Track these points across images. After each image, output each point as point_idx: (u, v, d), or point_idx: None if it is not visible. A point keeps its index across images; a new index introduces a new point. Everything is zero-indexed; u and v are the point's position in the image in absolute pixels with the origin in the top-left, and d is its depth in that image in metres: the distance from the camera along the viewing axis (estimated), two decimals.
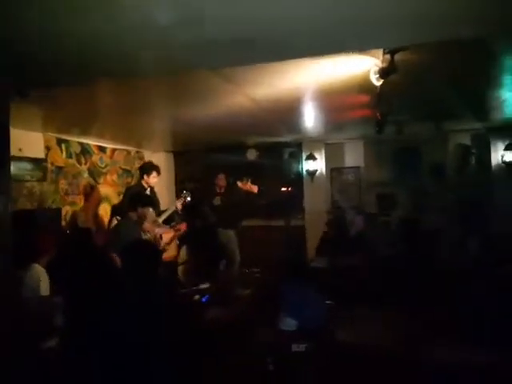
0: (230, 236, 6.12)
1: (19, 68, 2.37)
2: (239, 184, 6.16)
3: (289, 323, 2.62)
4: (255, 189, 6.20)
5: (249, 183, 6.18)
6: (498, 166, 6.61)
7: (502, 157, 6.52)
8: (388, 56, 2.96)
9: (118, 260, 3.91)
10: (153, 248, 2.69)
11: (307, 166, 7.42)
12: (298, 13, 1.91)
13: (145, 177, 5.19)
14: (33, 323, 3.11)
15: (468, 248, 5.71)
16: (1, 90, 2.42)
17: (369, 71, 3.31)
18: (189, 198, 5.33)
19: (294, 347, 2.45)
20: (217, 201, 6.27)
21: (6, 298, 2.61)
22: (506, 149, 6.46)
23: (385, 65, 3.01)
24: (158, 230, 4.91)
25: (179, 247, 6.23)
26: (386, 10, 2.00)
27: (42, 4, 1.74)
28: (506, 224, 6.00)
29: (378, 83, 3.11)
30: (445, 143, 6.90)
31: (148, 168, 5.27)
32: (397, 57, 2.94)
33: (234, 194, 6.17)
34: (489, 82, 4.24)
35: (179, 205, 5.26)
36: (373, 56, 3.10)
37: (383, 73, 2.98)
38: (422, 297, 3.68)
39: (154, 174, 5.19)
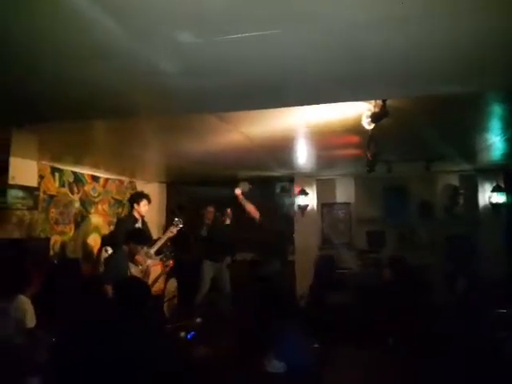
0: (218, 269, 6.04)
1: (21, 105, 2.42)
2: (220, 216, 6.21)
3: (276, 366, 2.59)
4: (227, 220, 6.23)
5: (225, 217, 6.19)
6: (485, 206, 6.73)
7: (489, 198, 6.66)
8: (380, 101, 3.07)
9: (109, 292, 3.87)
10: (141, 285, 2.67)
11: (299, 200, 7.48)
12: (294, 65, 2.00)
13: (135, 206, 5.12)
14: (14, 357, 3.03)
15: (454, 287, 5.74)
16: (3, 127, 2.47)
17: (361, 114, 3.43)
18: (181, 225, 5.28)
19: None
20: (204, 232, 6.27)
21: None
22: (493, 190, 6.61)
23: (377, 110, 3.12)
24: (149, 262, 4.87)
25: (166, 280, 6.16)
26: (379, 66, 2.12)
27: (46, 48, 1.81)
28: (490, 263, 6.08)
29: (370, 127, 3.21)
30: (434, 183, 7.05)
31: (138, 197, 5.23)
32: (388, 102, 3.06)
33: (218, 226, 6.15)
34: (476, 126, 4.40)
35: (174, 231, 5.19)
36: (365, 101, 3.22)
37: (375, 117, 3.08)
38: (408, 335, 3.67)
39: (145, 201, 5.13)
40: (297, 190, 7.52)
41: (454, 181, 7.03)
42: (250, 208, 5.98)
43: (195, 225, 6.36)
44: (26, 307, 3.49)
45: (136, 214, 5.12)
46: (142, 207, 5.12)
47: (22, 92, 2.32)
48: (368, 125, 3.18)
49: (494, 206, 6.62)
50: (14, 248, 4.41)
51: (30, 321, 3.48)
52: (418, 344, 3.29)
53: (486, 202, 6.71)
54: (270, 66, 1.92)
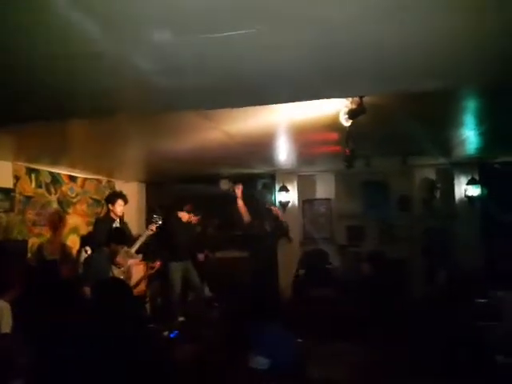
0: (171, 268, 5.88)
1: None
2: (179, 214, 6.11)
3: (260, 362, 2.60)
4: (194, 219, 6.17)
5: (189, 214, 6.11)
6: (461, 199, 6.90)
7: (465, 191, 6.82)
8: (357, 98, 3.12)
9: (88, 293, 3.82)
10: (122, 286, 2.65)
11: (280, 197, 7.52)
12: (276, 63, 2.01)
13: (110, 206, 5.02)
14: None
15: (433, 278, 5.88)
16: None
17: (338, 112, 3.47)
18: (160, 222, 5.21)
19: None
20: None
21: None
22: (469, 183, 6.77)
23: (354, 106, 3.16)
24: (130, 262, 4.81)
25: (149, 281, 6.11)
26: (359, 63, 2.15)
27: (24, 47, 1.77)
28: (466, 255, 6.25)
29: (347, 124, 3.26)
30: (411, 177, 7.18)
31: (113, 197, 5.11)
32: (365, 99, 3.10)
33: (175, 224, 6.04)
34: (451, 121, 4.51)
35: (153, 228, 5.12)
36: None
37: (352, 114, 3.13)
38: (390, 328, 3.74)
39: (120, 201, 5.01)
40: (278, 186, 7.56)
41: (431, 174, 7.18)
42: (244, 210, 5.94)
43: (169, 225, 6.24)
44: (3, 311, 3.42)
45: (112, 215, 5.03)
46: (118, 207, 5.01)
47: None
48: (346, 121, 3.22)
49: (470, 199, 6.78)
50: None
51: (6, 325, 3.41)
52: (399, 335, 3.36)
53: (462, 194, 6.87)
54: (249, 64, 1.92)
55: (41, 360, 2.95)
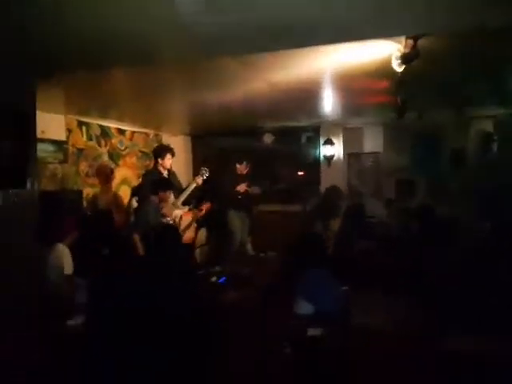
0: (231, 217, 6.08)
1: (43, 55, 2.41)
2: (238, 167, 6.18)
3: (305, 307, 2.66)
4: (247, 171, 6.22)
5: (246, 166, 6.16)
6: None
7: None
8: (410, 41, 2.91)
9: (139, 242, 4.01)
10: (173, 233, 2.75)
11: (325, 150, 7.38)
12: (319, 0, 1.89)
13: (159, 160, 5.15)
14: (56, 301, 3.23)
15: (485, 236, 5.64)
16: (28, 79, 2.47)
17: (390, 56, 3.26)
18: (207, 174, 5.31)
19: (310, 331, 2.51)
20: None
21: (32, 274, 2.71)
22: None
23: (407, 50, 2.95)
24: (176, 213, 4.96)
25: (197, 229, 6.30)
26: None
27: None
28: None
29: (400, 69, 3.06)
30: (466, 129, 6.76)
31: (161, 151, 5.23)
32: (419, 42, 2.89)
33: (233, 177, 6.12)
34: (510, 67, 4.13)
35: (199, 181, 5.24)
36: (395, 41, 3.05)
37: (405, 59, 2.93)
38: (436, 282, 3.67)
39: (169, 156, 5.14)
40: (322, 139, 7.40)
41: (488, 126, 6.72)
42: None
43: (225, 176, 6.37)
44: (64, 255, 3.67)
45: (161, 168, 5.17)
46: (167, 161, 5.15)
47: (43, 42, 2.31)
48: (398, 67, 3.03)
49: None
50: (49, 200, 4.58)
51: (69, 267, 3.67)
52: (444, 289, 3.29)
53: None
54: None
55: (98, 302, 3.18)
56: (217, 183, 6.05)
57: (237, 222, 6.05)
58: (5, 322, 2.49)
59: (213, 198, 5.76)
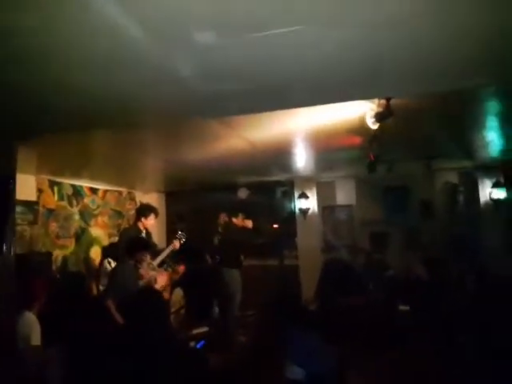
0: (233, 275, 5.84)
1: (23, 118, 2.38)
2: (234, 220, 6.10)
3: (295, 372, 2.54)
4: (250, 224, 6.15)
5: (243, 219, 6.12)
6: (486, 203, 6.73)
7: (490, 194, 6.66)
8: (383, 101, 3.06)
9: (113, 306, 3.81)
10: (157, 297, 2.62)
11: (299, 204, 7.46)
12: (300, 65, 1.97)
13: (142, 219, 5.09)
14: (26, 375, 2.97)
15: (462, 284, 5.71)
16: (7, 143, 2.42)
17: (363, 115, 3.42)
18: (184, 240, 5.28)
19: None
20: (216, 240, 6.23)
21: (8, 346, 2.50)
22: (494, 186, 6.61)
23: (380, 109, 3.10)
24: (152, 274, 4.82)
25: (171, 290, 6.10)
26: (386, 64, 2.10)
27: (45, 55, 1.74)
28: (491, 260, 6.07)
29: (375, 127, 3.20)
30: (433, 181, 7.04)
31: (146, 211, 5.18)
32: (392, 102, 3.05)
33: (232, 232, 6.07)
34: (476, 124, 4.41)
35: (177, 245, 5.18)
36: (368, 100, 3.21)
37: (380, 117, 3.07)
38: (421, 336, 3.63)
39: (152, 216, 5.12)
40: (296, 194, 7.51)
41: (454, 178, 7.04)
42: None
43: (204, 233, 6.30)
44: (32, 324, 3.42)
45: (140, 226, 5.10)
46: (149, 221, 5.12)
47: (24, 106, 2.28)
48: (373, 124, 3.16)
49: (495, 202, 6.62)
50: (18, 263, 4.34)
51: (36, 338, 3.41)
52: (433, 345, 3.25)
53: (487, 198, 6.71)
54: (281, 66, 1.88)
55: (71, 371, 2.94)
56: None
57: (237, 281, 5.83)
58: None
59: (196, 256, 5.66)
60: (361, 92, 2.47)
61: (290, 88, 2.17)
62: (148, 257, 4.58)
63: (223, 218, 6.32)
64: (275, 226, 7.81)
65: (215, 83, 1.90)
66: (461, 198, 7.06)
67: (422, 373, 2.84)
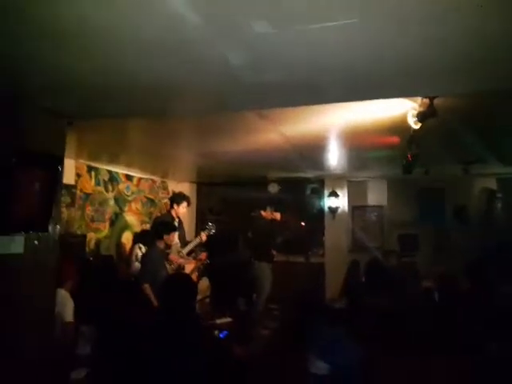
0: (263, 269, 5.89)
1: (74, 99, 2.46)
2: (263, 213, 6.12)
3: (320, 366, 2.55)
4: (278, 216, 6.16)
5: (272, 211, 6.13)
6: None
7: None
8: (426, 100, 3.00)
9: (150, 291, 3.92)
10: (191, 281, 2.68)
11: (329, 202, 7.40)
12: (340, 59, 1.96)
13: (175, 206, 5.28)
14: (59, 350, 3.09)
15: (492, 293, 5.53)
16: (59, 122, 2.51)
17: (402, 114, 3.36)
18: (213, 231, 5.37)
19: None
20: (247, 233, 6.28)
21: (50, 323, 2.61)
22: None
23: (423, 109, 3.04)
24: (181, 261, 4.94)
25: (198, 279, 6.19)
26: (426, 60, 2.06)
27: (93, 40, 1.80)
28: None
29: (416, 126, 3.14)
30: (470, 186, 6.85)
31: (179, 198, 5.37)
32: (435, 101, 2.98)
33: (261, 224, 6.10)
34: None
35: (204, 237, 5.29)
36: (410, 99, 3.15)
37: (422, 116, 3.01)
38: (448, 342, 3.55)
39: (185, 204, 5.30)
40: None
41: (492, 184, 6.81)
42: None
43: (236, 224, 6.35)
44: (65, 301, 3.55)
45: (173, 214, 5.27)
46: (182, 209, 5.30)
47: (76, 86, 2.35)
48: (415, 124, 3.11)
49: None
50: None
51: (69, 314, 3.54)
52: (460, 349, 3.18)
53: None
54: (314, 58, 1.86)
55: (103, 350, 3.04)
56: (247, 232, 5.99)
57: (268, 274, 5.87)
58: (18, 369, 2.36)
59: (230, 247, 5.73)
60: (400, 89, 2.43)
61: (330, 82, 2.16)
62: (178, 243, 4.68)
63: (253, 212, 6.36)
64: (303, 222, 7.78)
65: (259, 74, 1.91)
66: (498, 205, 6.83)
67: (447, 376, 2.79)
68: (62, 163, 2.57)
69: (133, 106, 2.65)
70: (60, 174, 2.55)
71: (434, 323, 3.48)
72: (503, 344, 2.98)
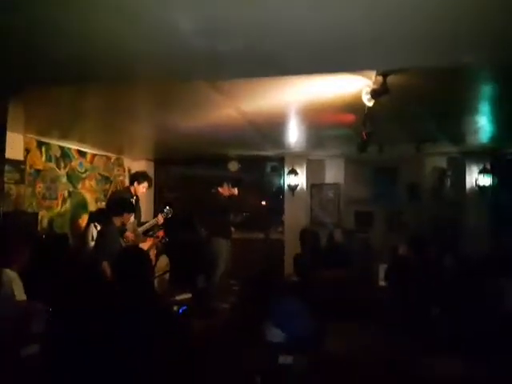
0: (221, 245, 5.78)
1: (17, 67, 2.32)
2: (220, 190, 6.06)
3: (276, 334, 2.62)
4: (235, 191, 6.11)
5: (229, 187, 6.07)
6: (472, 189, 6.85)
7: (476, 180, 6.77)
8: (380, 78, 3.06)
9: (106, 266, 3.85)
10: (145, 254, 2.65)
11: (289, 180, 7.49)
12: (296, 30, 1.95)
13: (135, 184, 5.20)
14: (7, 328, 2.99)
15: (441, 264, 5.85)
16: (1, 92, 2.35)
17: (357, 91, 3.41)
18: (170, 215, 5.36)
19: (281, 359, 2.45)
20: (208, 210, 6.23)
21: None
22: (480, 173, 6.72)
23: (376, 86, 3.11)
24: (137, 239, 4.89)
25: (157, 257, 6.14)
26: (382, 32, 2.09)
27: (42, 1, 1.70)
28: (475, 244, 6.23)
29: (370, 103, 3.20)
30: (422, 165, 7.13)
31: (142, 177, 5.31)
32: (388, 79, 3.05)
33: (219, 200, 6.04)
34: (467, 108, 4.44)
35: (161, 219, 5.25)
36: (364, 76, 3.20)
37: (375, 94, 3.07)
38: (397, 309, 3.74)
39: (146, 184, 5.24)
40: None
41: (442, 163, 7.13)
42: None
43: (195, 202, 6.29)
44: (12, 280, 3.42)
45: (132, 190, 5.21)
46: (141, 188, 5.24)
47: (18, 55, 2.22)
48: (368, 101, 3.17)
49: (481, 188, 6.73)
50: (2, 221, 4.31)
51: (19, 293, 3.42)
52: (410, 318, 3.36)
53: (473, 184, 6.82)
54: (271, 27, 1.84)
55: (56, 327, 2.98)
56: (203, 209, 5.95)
57: (224, 251, 5.79)
58: None
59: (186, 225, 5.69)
60: (358, 62, 2.46)
61: (287, 53, 2.15)
62: (134, 221, 4.61)
63: (213, 189, 6.31)
64: (263, 200, 7.85)
65: (213, 40, 1.87)
66: (448, 183, 7.17)
67: (397, 345, 2.94)
68: (2, 138, 2.42)
69: (82, 72, 2.52)
70: (1, 148, 2.40)
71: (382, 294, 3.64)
72: (444, 308, 3.17)
